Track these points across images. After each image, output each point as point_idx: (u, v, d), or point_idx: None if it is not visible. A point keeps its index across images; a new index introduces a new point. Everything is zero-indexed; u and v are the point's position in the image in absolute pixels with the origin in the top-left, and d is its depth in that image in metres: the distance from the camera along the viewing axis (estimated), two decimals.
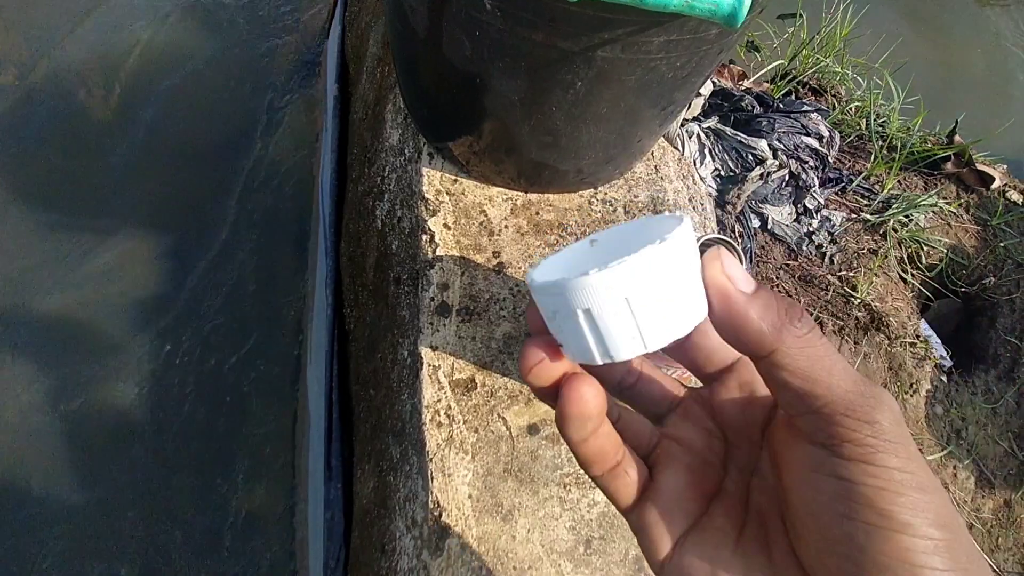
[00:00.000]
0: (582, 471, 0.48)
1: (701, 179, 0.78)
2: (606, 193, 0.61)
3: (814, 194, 0.85)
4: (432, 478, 0.47)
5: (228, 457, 0.84)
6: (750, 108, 0.86)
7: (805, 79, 1.02)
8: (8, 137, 1.02)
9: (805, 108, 0.85)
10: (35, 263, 0.93)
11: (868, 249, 0.87)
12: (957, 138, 0.96)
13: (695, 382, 0.26)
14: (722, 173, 0.82)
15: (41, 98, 1.06)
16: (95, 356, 0.88)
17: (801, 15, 1.02)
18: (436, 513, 0.46)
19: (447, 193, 0.57)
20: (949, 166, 0.96)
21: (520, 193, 0.59)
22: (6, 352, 0.87)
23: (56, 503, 0.79)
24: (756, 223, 0.84)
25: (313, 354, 0.84)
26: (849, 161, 0.96)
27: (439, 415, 0.49)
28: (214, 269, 0.96)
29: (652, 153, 0.66)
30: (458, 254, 0.54)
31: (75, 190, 1.00)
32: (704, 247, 0.34)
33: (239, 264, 0.97)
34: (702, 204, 0.66)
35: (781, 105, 0.87)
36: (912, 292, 0.88)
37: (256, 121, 1.08)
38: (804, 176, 0.83)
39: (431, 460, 0.47)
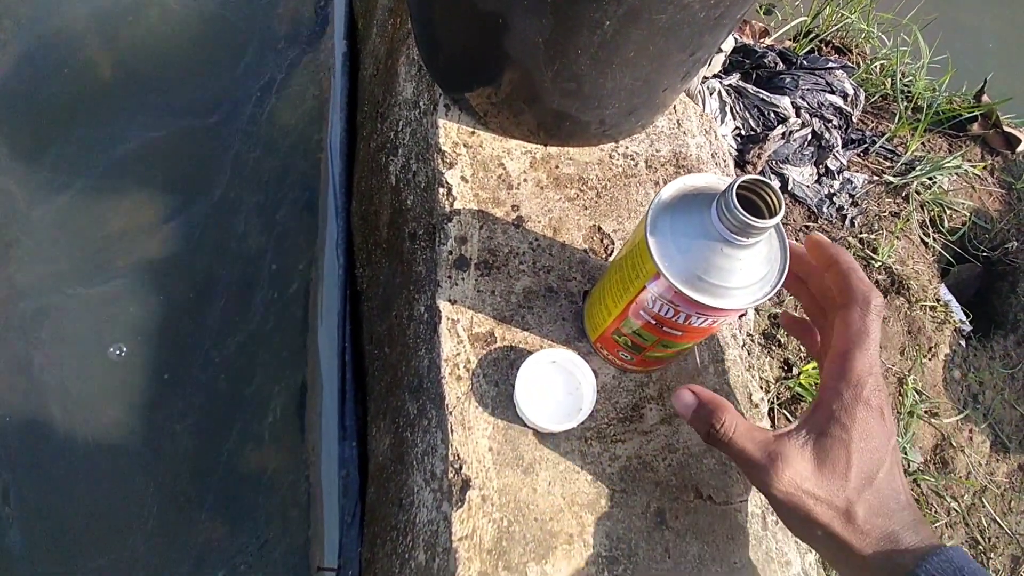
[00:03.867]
0: (603, 426, 0.47)
1: (722, 137, 0.76)
2: (627, 147, 0.59)
3: (836, 154, 0.83)
4: (452, 431, 0.46)
5: (236, 418, 0.84)
6: (773, 65, 0.84)
7: (828, 37, 0.99)
8: (4, 96, 1.00)
9: (830, 65, 0.82)
10: (34, 225, 0.92)
11: (890, 212, 0.85)
12: (984, 98, 0.93)
13: None
14: (743, 132, 0.80)
15: (39, 56, 1.03)
16: (97, 320, 0.88)
17: None
18: (456, 466, 0.45)
19: (464, 145, 0.56)
20: (975, 127, 0.93)
21: (539, 146, 0.57)
22: (5, 317, 0.87)
23: (53, 473, 0.79)
24: (776, 184, 0.82)
25: (324, 316, 0.84)
26: (872, 122, 0.94)
27: (458, 369, 0.48)
28: (219, 232, 0.94)
29: (674, 108, 0.64)
30: (476, 208, 0.53)
31: (75, 151, 0.98)
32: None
33: (245, 226, 0.95)
34: (724, 161, 0.64)
35: (805, 62, 0.84)
36: (933, 256, 0.87)
37: (261, 80, 1.05)
38: (827, 136, 0.81)
39: (450, 413, 0.47)
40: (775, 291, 0.36)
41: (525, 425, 0.47)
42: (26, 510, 0.77)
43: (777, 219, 0.32)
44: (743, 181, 0.33)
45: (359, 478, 0.65)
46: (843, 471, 0.35)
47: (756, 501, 0.48)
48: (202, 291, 0.90)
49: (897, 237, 0.83)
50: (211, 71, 1.05)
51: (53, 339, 0.86)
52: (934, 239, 0.87)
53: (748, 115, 0.79)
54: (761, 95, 0.79)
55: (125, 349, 0.86)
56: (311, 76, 1.04)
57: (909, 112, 0.92)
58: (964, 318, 0.85)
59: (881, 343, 0.78)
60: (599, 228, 0.54)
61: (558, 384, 0.46)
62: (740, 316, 0.56)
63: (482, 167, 0.55)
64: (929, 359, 0.80)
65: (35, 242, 0.91)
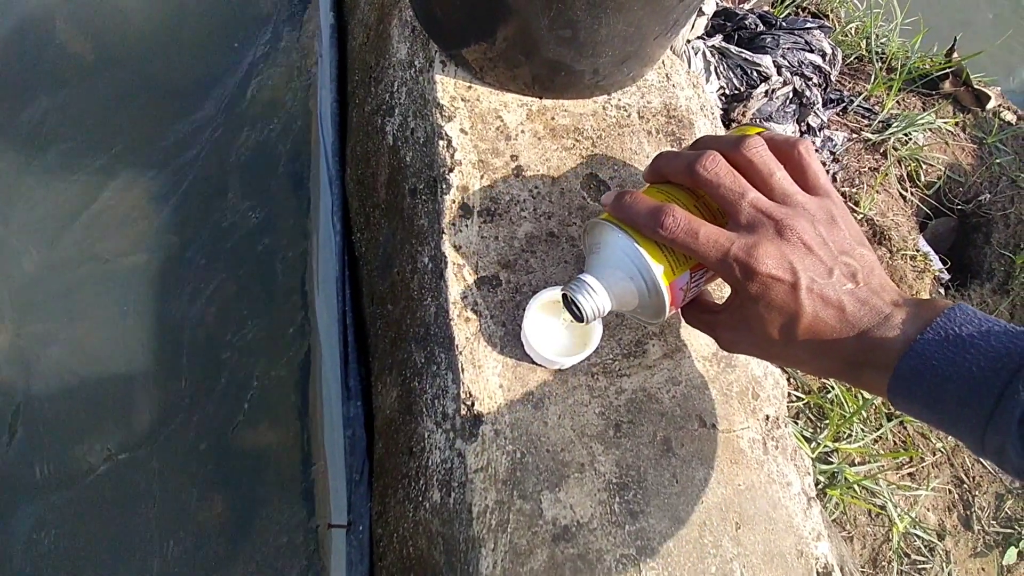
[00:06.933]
0: (608, 361, 0.49)
1: (709, 92, 0.78)
2: (619, 99, 0.60)
3: (817, 112, 0.85)
4: (463, 370, 0.47)
5: (238, 393, 0.84)
6: (753, 26, 0.86)
7: (805, 3, 1.02)
8: None
9: (808, 24, 0.85)
10: (17, 205, 0.91)
11: (869, 167, 0.88)
12: (955, 56, 0.96)
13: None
14: (727, 92, 0.82)
15: (15, 42, 1.02)
16: (85, 303, 0.87)
17: None
18: (468, 403, 0.47)
19: (462, 99, 0.57)
20: (947, 85, 0.97)
21: (535, 100, 0.58)
22: None
23: (51, 451, 0.79)
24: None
25: (321, 285, 0.84)
26: (849, 83, 0.96)
27: (466, 311, 0.49)
28: (211, 211, 0.94)
29: (662, 62, 0.65)
30: (476, 158, 0.54)
31: (58, 131, 0.97)
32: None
33: (237, 203, 0.95)
34: (712, 113, 0.66)
35: (784, 23, 0.86)
36: (911, 209, 0.90)
37: (245, 56, 1.05)
38: (808, 93, 0.83)
39: (460, 353, 0.48)
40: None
41: (534, 363, 0.48)
42: (34, 485, 0.76)
43: (583, 323, 0.44)
44: (563, 292, 0.44)
45: (365, 436, 0.66)
46: (765, 334, 0.38)
47: (757, 428, 0.50)
48: (196, 270, 0.90)
49: (877, 191, 0.86)
50: (195, 48, 1.04)
51: (45, 321, 0.85)
52: (911, 193, 0.90)
53: (732, 74, 0.81)
54: (744, 55, 0.81)
55: (122, 329, 0.86)
56: (297, 50, 1.03)
57: (884, 72, 0.95)
58: (942, 267, 0.89)
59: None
60: (595, 176, 0.56)
61: (564, 321, 0.48)
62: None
63: (480, 119, 0.56)
64: None
65: (24, 224, 0.90)
